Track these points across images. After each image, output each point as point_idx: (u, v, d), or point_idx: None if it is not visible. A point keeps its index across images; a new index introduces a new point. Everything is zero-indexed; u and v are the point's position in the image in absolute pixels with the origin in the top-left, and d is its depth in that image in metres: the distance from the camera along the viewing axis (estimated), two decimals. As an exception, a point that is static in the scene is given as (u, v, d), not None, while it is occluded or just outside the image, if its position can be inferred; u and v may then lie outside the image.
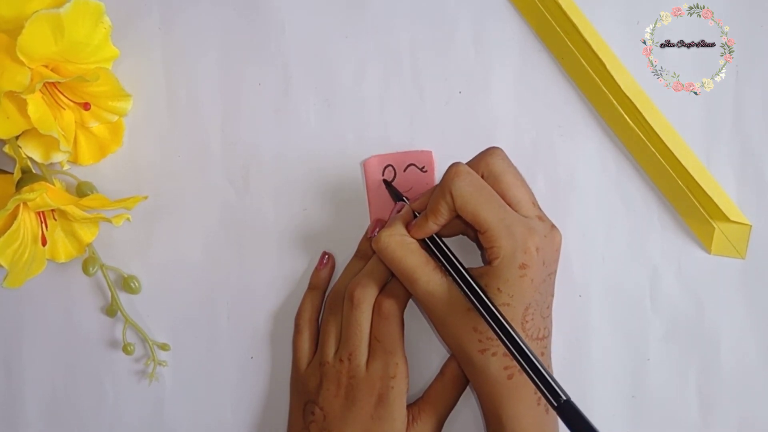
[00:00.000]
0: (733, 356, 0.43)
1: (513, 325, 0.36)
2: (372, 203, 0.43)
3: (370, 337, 0.40)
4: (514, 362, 0.36)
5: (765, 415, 0.43)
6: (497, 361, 0.36)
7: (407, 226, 0.39)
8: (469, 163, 0.38)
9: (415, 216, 0.39)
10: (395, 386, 0.39)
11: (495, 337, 0.36)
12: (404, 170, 0.43)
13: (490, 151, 0.38)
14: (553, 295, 0.38)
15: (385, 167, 0.43)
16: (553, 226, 0.38)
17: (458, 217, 0.37)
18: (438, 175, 0.43)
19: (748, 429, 0.42)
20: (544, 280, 0.37)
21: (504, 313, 0.36)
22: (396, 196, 0.42)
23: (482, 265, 0.42)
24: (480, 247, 0.41)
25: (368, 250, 0.42)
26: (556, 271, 0.38)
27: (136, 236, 0.44)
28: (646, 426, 0.43)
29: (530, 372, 0.34)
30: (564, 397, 0.34)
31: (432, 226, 0.38)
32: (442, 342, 0.43)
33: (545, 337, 0.38)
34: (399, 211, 0.40)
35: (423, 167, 0.43)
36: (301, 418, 0.41)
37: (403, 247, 0.38)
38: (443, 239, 0.39)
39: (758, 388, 0.43)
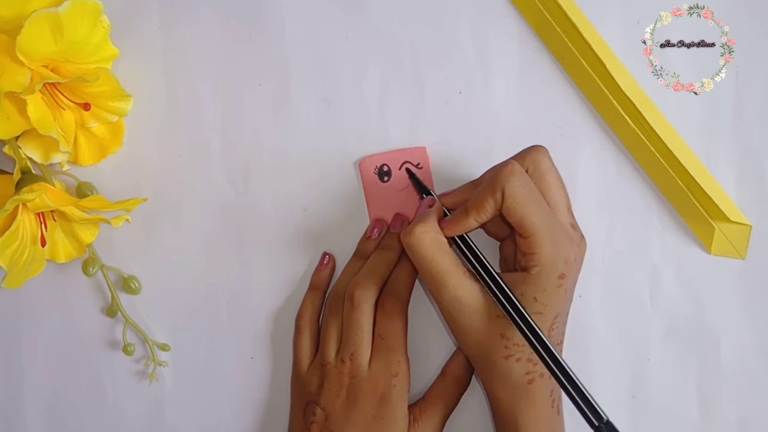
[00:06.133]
0: (733, 356, 0.43)
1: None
2: (370, 203, 0.43)
3: (374, 334, 0.40)
4: (536, 368, 0.36)
5: (765, 415, 0.43)
6: (520, 367, 0.36)
7: (440, 222, 0.37)
8: (515, 159, 0.37)
9: (445, 213, 0.38)
10: (397, 385, 0.39)
11: (522, 343, 0.35)
12: (399, 168, 0.43)
13: (537, 148, 0.37)
14: (572, 301, 0.38)
15: (380, 166, 0.43)
16: (582, 235, 0.37)
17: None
18: (434, 171, 0.43)
19: (748, 429, 0.43)
20: (571, 289, 0.36)
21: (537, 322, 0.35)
22: (422, 189, 0.40)
23: (497, 258, 0.41)
24: (515, 249, 0.38)
25: (368, 250, 0.42)
26: (577, 279, 0.37)
27: (136, 236, 0.44)
28: (646, 426, 0.43)
29: (572, 392, 0.33)
30: (605, 418, 0.33)
31: (472, 223, 0.36)
32: (444, 342, 0.43)
33: (562, 342, 0.38)
34: (430, 206, 0.38)
35: (418, 164, 0.43)
36: (302, 418, 0.41)
37: (435, 245, 0.35)
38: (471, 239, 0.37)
39: (758, 388, 0.43)
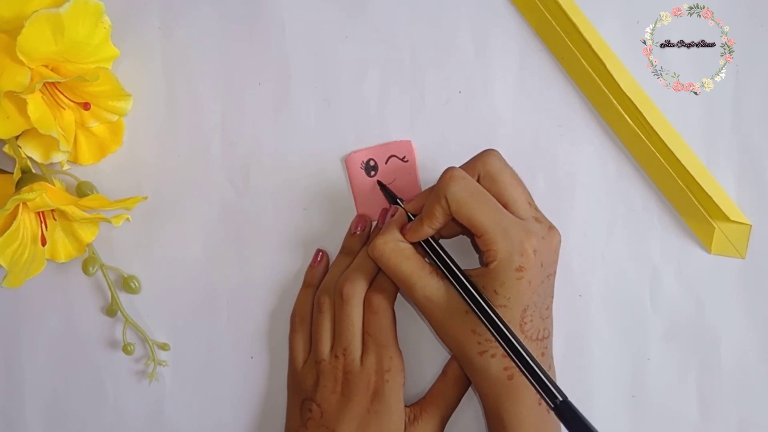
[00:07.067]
0: (733, 356, 0.43)
1: (511, 326, 0.36)
2: (357, 198, 0.43)
3: (363, 332, 0.40)
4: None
5: (765, 415, 0.43)
6: (497, 363, 0.36)
7: (402, 229, 0.39)
8: (466, 165, 0.38)
9: (410, 218, 0.39)
10: (390, 380, 0.39)
11: (494, 338, 0.36)
12: (386, 162, 0.43)
13: (486, 152, 0.38)
14: (552, 296, 0.38)
15: (367, 161, 0.43)
16: (551, 226, 0.38)
17: (454, 219, 0.37)
18: (419, 165, 0.43)
19: (748, 429, 0.42)
20: (542, 282, 0.37)
21: (501, 315, 0.36)
22: (391, 198, 0.41)
23: (480, 265, 0.42)
24: (477, 249, 0.41)
25: (353, 246, 0.42)
26: (555, 272, 0.38)
27: (136, 236, 0.44)
28: (646, 426, 0.43)
29: (527, 373, 0.35)
30: (560, 398, 0.35)
31: (427, 230, 0.38)
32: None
33: (545, 337, 0.38)
34: (393, 215, 0.40)
35: (404, 157, 0.43)
36: (299, 415, 0.41)
37: (397, 253, 0.38)
38: (439, 241, 0.39)
39: (758, 388, 0.43)
